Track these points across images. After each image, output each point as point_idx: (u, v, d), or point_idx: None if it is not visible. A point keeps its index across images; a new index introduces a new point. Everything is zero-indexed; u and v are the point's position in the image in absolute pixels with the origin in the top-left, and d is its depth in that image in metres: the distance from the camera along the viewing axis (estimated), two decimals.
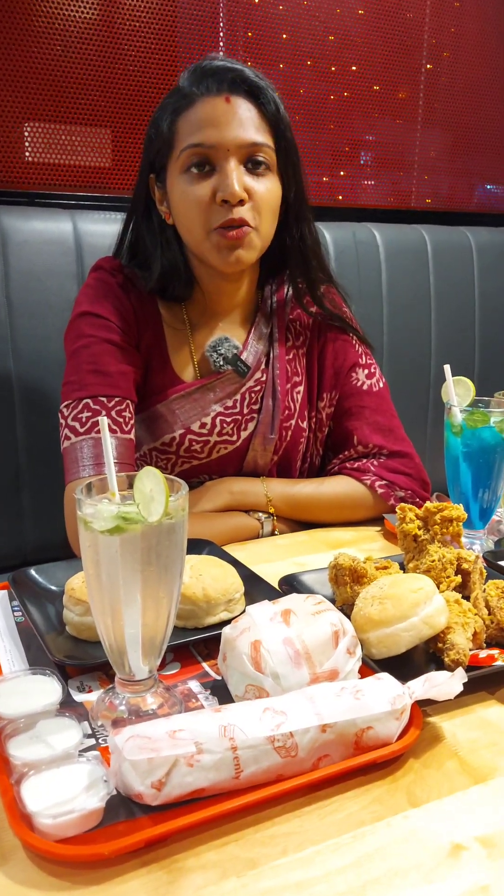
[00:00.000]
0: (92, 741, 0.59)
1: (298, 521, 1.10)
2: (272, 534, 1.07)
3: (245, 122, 0.95)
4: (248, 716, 0.54)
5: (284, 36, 1.89)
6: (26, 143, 1.55)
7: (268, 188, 0.98)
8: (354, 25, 1.95)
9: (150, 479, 0.55)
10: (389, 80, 2.06)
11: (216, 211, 0.96)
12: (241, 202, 0.95)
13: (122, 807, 0.52)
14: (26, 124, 1.54)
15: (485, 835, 0.51)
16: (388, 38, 2.01)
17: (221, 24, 1.79)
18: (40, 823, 0.49)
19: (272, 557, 0.97)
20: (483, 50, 2.18)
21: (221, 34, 1.80)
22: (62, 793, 0.50)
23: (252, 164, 0.97)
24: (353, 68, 2.00)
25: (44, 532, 1.42)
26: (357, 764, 0.55)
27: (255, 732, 0.53)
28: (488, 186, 2.35)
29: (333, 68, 1.98)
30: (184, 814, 0.50)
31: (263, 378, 1.10)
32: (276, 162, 0.99)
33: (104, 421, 0.61)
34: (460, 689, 0.59)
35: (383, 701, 0.57)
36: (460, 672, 0.60)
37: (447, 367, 0.95)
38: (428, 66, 2.14)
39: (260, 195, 0.97)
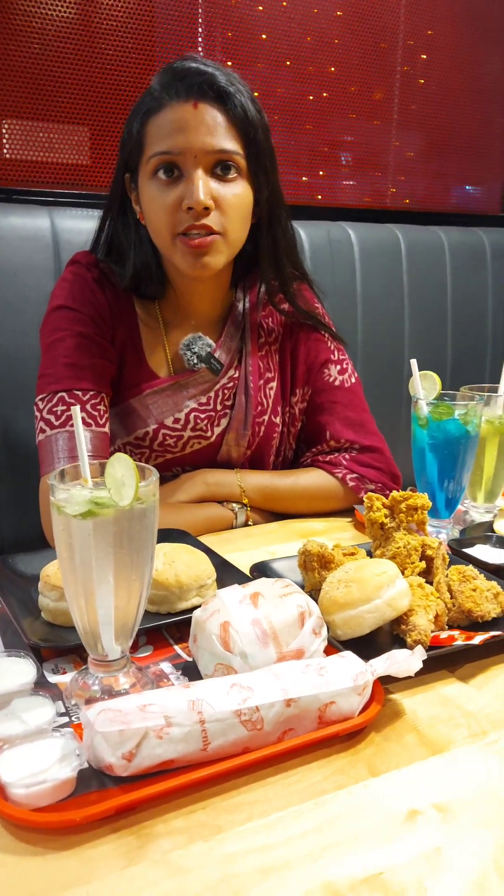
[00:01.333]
0: (65, 719, 0.61)
1: (272, 511, 1.12)
2: (246, 524, 1.10)
3: (213, 129, 0.95)
4: (216, 691, 0.57)
5: (263, 36, 1.91)
6: (4, 140, 1.56)
7: (236, 194, 0.98)
8: (332, 27, 1.98)
9: (121, 465, 0.57)
10: (366, 81, 2.09)
11: (181, 217, 0.96)
12: (207, 210, 0.95)
13: (94, 778, 0.54)
14: (4, 121, 1.55)
15: (440, 801, 0.54)
16: (365, 40, 2.05)
17: (200, 24, 1.81)
18: (14, 794, 0.51)
19: (245, 546, 1.00)
20: (458, 53, 2.22)
21: (200, 34, 1.82)
22: (35, 765, 0.52)
23: (221, 170, 0.96)
24: (331, 69, 2.03)
25: (21, 526, 1.43)
26: (320, 737, 0.58)
27: (222, 706, 0.55)
28: (466, 187, 2.40)
29: (311, 69, 2.01)
30: (153, 783, 0.52)
31: (237, 375, 1.12)
32: (247, 167, 0.99)
33: (76, 410, 0.63)
34: (419, 666, 0.62)
35: (346, 677, 0.60)
36: (420, 650, 0.62)
37: (414, 362, 0.99)
38: (404, 68, 2.18)
39: (227, 202, 0.97)
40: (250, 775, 0.56)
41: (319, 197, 2.12)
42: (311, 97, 2.04)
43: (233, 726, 0.55)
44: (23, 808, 0.50)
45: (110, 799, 0.51)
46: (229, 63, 1.88)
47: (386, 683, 0.66)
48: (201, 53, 1.81)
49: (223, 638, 0.63)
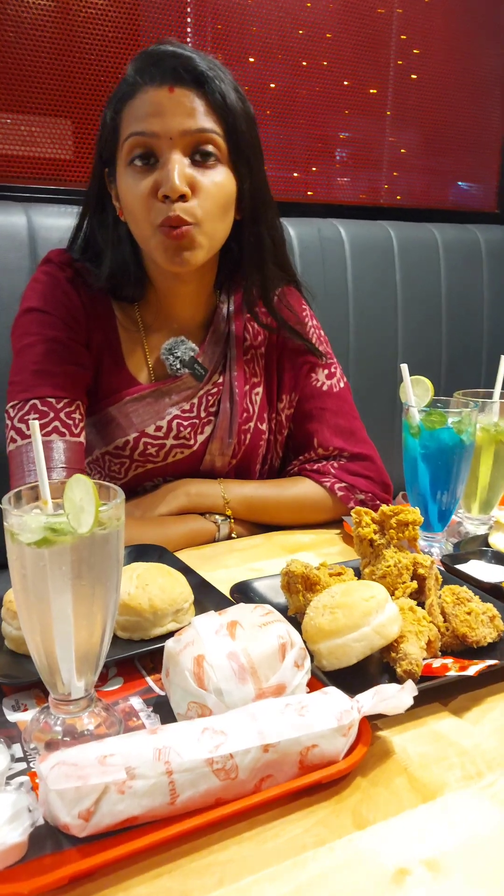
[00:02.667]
0: (23, 765, 0.56)
1: (256, 523, 1.07)
2: (229, 537, 1.05)
3: (190, 112, 0.89)
4: (185, 737, 0.51)
5: (254, 29, 1.85)
6: None
7: (215, 182, 0.92)
8: (325, 20, 1.93)
9: (80, 488, 0.51)
10: (359, 75, 2.03)
11: (158, 208, 0.90)
12: (183, 198, 0.89)
13: (50, 838, 0.48)
14: None
15: (430, 857, 0.49)
16: (358, 34, 1.99)
17: (189, 14, 1.75)
18: None
19: (227, 563, 0.94)
20: (452, 47, 2.17)
21: (189, 24, 1.76)
22: None
23: (200, 156, 0.91)
24: (324, 63, 1.98)
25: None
26: (301, 785, 0.53)
27: (192, 755, 0.50)
28: (459, 184, 2.35)
29: (304, 63, 1.95)
30: (114, 845, 0.47)
31: (221, 381, 1.07)
32: (228, 153, 0.94)
33: (35, 425, 0.58)
34: (410, 702, 0.57)
35: (329, 717, 0.55)
36: (410, 685, 0.57)
37: (404, 367, 0.93)
38: (399, 62, 2.13)
39: (206, 189, 0.91)
40: (223, 831, 0.51)
41: (310, 193, 2.07)
42: (303, 91, 1.98)
43: (204, 776, 0.50)
44: None
45: (65, 865, 0.45)
46: (219, 56, 1.83)
47: (373, 719, 0.61)
48: (190, 45, 1.75)
49: (197, 673, 0.58)
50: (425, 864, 0.48)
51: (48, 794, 0.48)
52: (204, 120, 0.90)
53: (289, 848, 0.49)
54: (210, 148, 0.91)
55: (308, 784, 0.53)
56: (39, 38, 1.48)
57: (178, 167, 0.88)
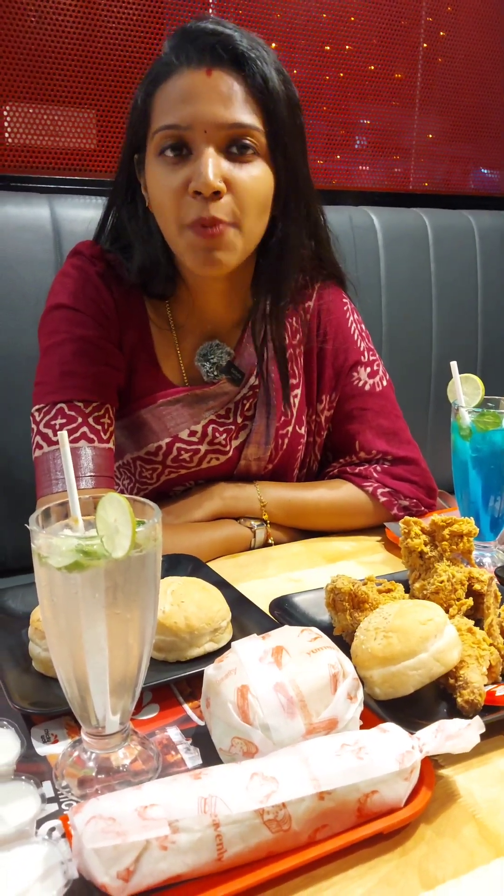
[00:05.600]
0: (54, 806, 0.52)
1: (294, 528, 1.02)
2: (266, 543, 0.99)
3: (227, 99, 0.81)
4: (232, 784, 0.46)
5: (277, 15, 1.79)
6: (6, 124, 1.45)
7: (254, 177, 0.84)
8: (349, 3, 1.86)
9: (114, 508, 0.46)
10: (385, 60, 1.96)
11: (189, 204, 0.82)
12: (218, 194, 0.81)
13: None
14: (3, 105, 1.44)
15: None
16: (383, 17, 1.92)
17: (211, 1, 1.69)
18: None
19: (264, 573, 0.89)
20: (480, 29, 2.08)
21: (211, 10, 1.70)
22: (11, 885, 0.42)
23: (237, 149, 0.83)
24: (348, 48, 1.90)
25: (23, 536, 1.33)
26: (360, 837, 0.47)
27: (241, 805, 0.45)
28: (483, 171, 2.26)
29: (328, 47, 1.88)
30: None
31: (257, 383, 1.00)
32: (267, 146, 0.85)
33: (64, 435, 0.53)
34: (477, 740, 0.51)
35: (390, 759, 0.49)
36: (477, 721, 0.52)
37: (454, 364, 0.87)
38: (424, 45, 2.05)
39: (243, 185, 0.83)
40: (276, 888, 0.45)
41: (334, 181, 2.00)
42: (327, 77, 1.91)
43: (254, 829, 0.45)
44: None
45: None
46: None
47: (433, 757, 0.56)
48: (212, 13, 1.69)
49: (241, 707, 0.53)
50: None
51: (83, 850, 0.43)
52: (242, 110, 0.82)
53: None
54: (248, 141, 0.83)
55: (369, 835, 0.48)
56: (62, 25, 1.43)
57: (213, 161, 0.81)
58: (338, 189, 1.97)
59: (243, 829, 0.45)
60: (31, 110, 1.47)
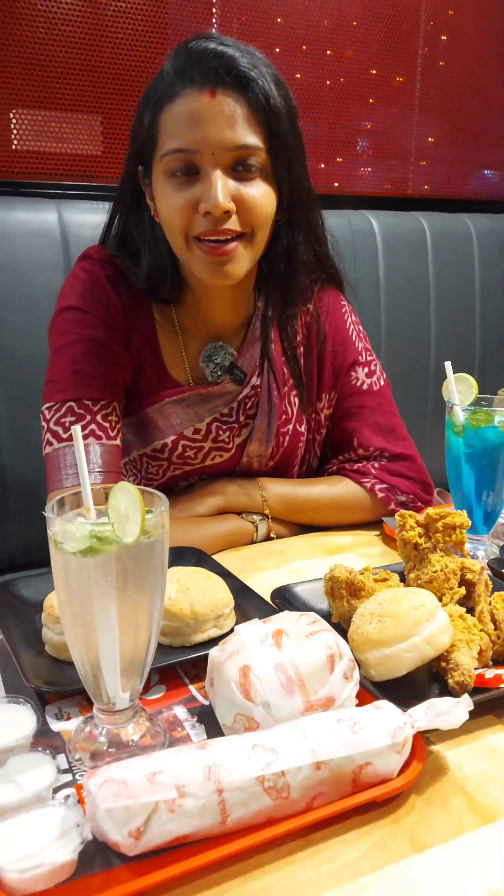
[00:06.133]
0: (68, 776, 0.55)
1: (295, 523, 1.05)
2: (267, 537, 1.03)
3: (232, 121, 0.84)
4: (235, 754, 0.50)
5: (279, 20, 1.82)
6: (13, 131, 1.49)
7: (261, 192, 0.88)
8: (350, 9, 1.89)
9: (125, 496, 0.50)
10: (386, 64, 1.99)
11: (197, 220, 0.86)
12: (227, 213, 0.85)
13: (99, 855, 0.47)
14: (11, 112, 1.48)
15: (494, 887, 0.46)
16: (383, 22, 1.95)
17: (215, 6, 1.73)
18: (6, 878, 0.44)
19: (266, 565, 0.93)
20: (480, 34, 2.12)
21: (214, 15, 1.74)
22: (31, 843, 0.45)
23: (242, 167, 0.86)
24: (349, 53, 1.94)
25: (31, 533, 1.37)
26: (355, 803, 0.51)
27: (242, 773, 0.49)
28: (486, 173, 2.29)
29: (329, 52, 1.91)
30: (165, 864, 0.46)
31: (259, 383, 1.04)
32: (270, 162, 0.89)
33: (77, 430, 0.56)
34: (466, 717, 0.54)
35: (383, 733, 0.53)
36: (466, 699, 0.55)
37: (448, 364, 0.90)
38: (425, 49, 2.08)
39: (251, 202, 0.87)
40: (276, 850, 0.49)
41: (336, 184, 2.03)
42: (328, 82, 1.95)
43: (255, 795, 0.49)
44: (16, 894, 0.44)
45: (115, 884, 0.44)
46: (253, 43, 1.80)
47: (425, 734, 0.59)
48: (216, 30, 1.72)
49: (243, 685, 0.56)
50: (490, 893, 0.46)
51: (97, 811, 0.46)
52: (246, 131, 0.86)
53: (346, 872, 0.47)
54: (252, 160, 0.87)
55: (362, 802, 0.51)
56: (69, 35, 1.47)
57: (222, 182, 0.85)
58: (338, 193, 2.00)
59: (245, 795, 0.48)
60: (38, 117, 1.51)
